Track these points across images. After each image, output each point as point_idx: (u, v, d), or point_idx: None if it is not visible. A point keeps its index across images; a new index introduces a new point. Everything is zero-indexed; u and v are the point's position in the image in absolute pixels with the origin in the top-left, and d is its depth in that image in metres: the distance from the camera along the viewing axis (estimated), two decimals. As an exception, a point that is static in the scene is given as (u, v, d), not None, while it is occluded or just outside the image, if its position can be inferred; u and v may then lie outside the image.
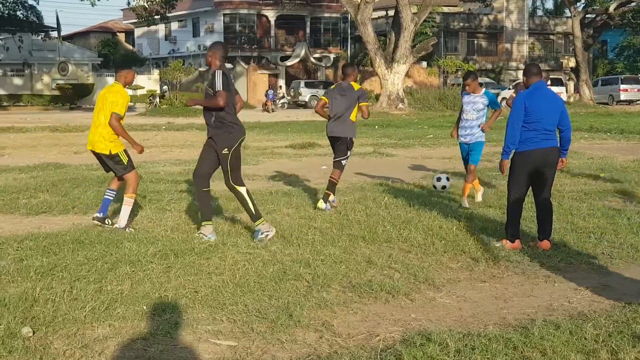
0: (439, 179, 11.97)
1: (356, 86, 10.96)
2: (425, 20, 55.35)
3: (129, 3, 60.40)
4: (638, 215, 10.19)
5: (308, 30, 74.59)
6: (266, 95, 56.34)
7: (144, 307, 6.05)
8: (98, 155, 9.43)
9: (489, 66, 74.43)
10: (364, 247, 8.33)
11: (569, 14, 67.56)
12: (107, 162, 9.39)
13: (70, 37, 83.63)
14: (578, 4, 62.46)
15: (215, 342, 5.40)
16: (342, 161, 11.02)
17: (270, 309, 6.06)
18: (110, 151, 9.22)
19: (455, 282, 7.13)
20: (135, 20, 67.65)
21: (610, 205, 11.12)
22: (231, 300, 6.27)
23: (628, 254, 8.18)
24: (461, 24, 75.05)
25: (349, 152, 11.09)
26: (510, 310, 6.26)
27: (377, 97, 52.25)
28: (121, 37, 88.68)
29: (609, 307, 6.26)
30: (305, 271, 7.20)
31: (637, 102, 58.84)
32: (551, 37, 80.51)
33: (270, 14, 72.45)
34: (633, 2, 59.96)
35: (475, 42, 76.16)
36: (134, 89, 60.95)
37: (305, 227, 9.35)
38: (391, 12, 59.23)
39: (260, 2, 71.58)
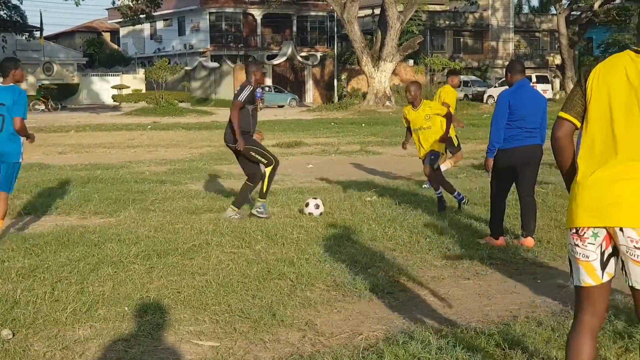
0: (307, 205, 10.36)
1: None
2: (411, 19, 55.40)
3: (114, 2, 60.16)
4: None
5: (295, 28, 74.47)
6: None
7: (126, 308, 6.01)
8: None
9: (475, 64, 74.52)
10: (348, 246, 8.30)
11: (554, 12, 67.82)
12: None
13: (55, 37, 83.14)
14: (563, 1, 62.75)
15: (197, 343, 5.37)
16: None
17: (254, 309, 6.03)
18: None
19: (439, 280, 7.12)
20: (121, 20, 67.31)
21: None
22: (214, 301, 6.24)
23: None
24: (447, 22, 75.13)
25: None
26: (493, 308, 6.26)
27: (364, 95, 52.24)
28: (106, 36, 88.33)
29: (592, 303, 6.25)
30: (289, 270, 7.17)
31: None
32: (537, 34, 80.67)
33: (257, 13, 72.31)
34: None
35: (461, 40, 76.26)
36: (119, 89, 60.92)
37: (290, 226, 9.32)
38: (377, 11, 59.16)
39: (246, 0, 71.44)
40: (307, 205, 10.27)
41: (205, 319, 5.84)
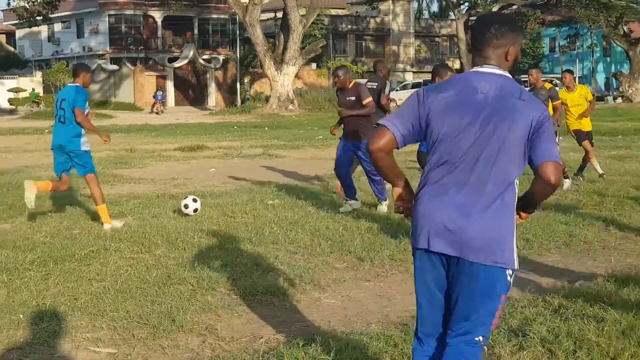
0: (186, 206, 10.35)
1: None
2: (313, 23, 55.70)
3: (9, 4, 58.57)
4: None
5: (196, 31, 73.81)
6: (154, 97, 55.61)
7: (21, 316, 5.86)
8: None
9: (377, 68, 75.36)
10: (250, 250, 8.28)
11: (453, 17, 69.19)
12: None
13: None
14: (462, 6, 64.13)
15: (94, 350, 5.28)
16: None
17: (153, 315, 5.95)
18: None
19: (340, 282, 7.17)
20: (17, 22, 65.58)
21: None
22: (112, 307, 6.13)
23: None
24: (349, 26, 75.84)
25: None
26: (393, 308, 6.34)
27: (267, 98, 52.24)
28: (2, 38, 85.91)
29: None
30: (190, 275, 7.11)
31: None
32: (437, 39, 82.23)
33: (157, 15, 71.35)
34: (514, 5, 61.95)
35: (363, 44, 77.09)
36: (16, 92, 59.30)
37: (192, 230, 9.25)
38: (280, 14, 59.30)
39: (146, 2, 70.39)
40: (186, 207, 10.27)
41: (103, 326, 5.74)
